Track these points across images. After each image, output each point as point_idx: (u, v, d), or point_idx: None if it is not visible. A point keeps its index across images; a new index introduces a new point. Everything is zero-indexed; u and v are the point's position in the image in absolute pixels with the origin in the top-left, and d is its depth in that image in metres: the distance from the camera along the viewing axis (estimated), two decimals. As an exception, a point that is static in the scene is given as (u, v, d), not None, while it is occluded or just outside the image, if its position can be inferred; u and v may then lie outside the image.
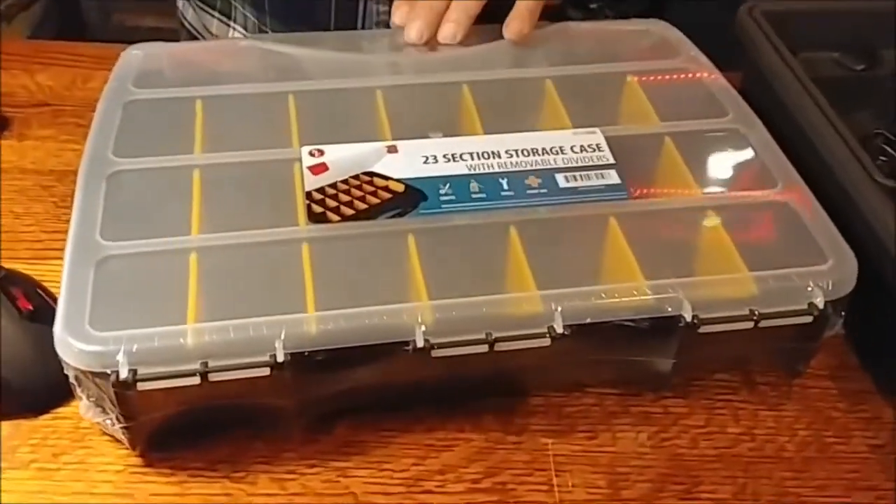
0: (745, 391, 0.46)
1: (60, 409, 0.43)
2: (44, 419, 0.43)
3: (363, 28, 0.67)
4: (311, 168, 0.48)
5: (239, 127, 0.52)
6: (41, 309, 0.43)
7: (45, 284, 0.47)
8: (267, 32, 0.69)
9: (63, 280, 0.41)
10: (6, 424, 0.42)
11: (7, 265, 0.49)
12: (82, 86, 0.63)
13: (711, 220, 0.47)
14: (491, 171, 0.49)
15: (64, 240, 0.45)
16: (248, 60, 0.57)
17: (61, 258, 0.43)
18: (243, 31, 0.70)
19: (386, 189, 0.48)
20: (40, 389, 0.42)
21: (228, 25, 0.71)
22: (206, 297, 0.41)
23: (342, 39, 0.61)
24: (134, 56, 0.55)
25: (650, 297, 0.42)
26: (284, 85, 0.54)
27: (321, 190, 0.47)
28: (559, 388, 0.45)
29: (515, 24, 0.59)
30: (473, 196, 0.47)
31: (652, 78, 0.57)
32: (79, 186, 0.46)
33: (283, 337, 0.39)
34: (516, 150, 0.50)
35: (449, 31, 0.59)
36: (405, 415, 0.44)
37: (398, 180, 0.48)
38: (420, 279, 0.43)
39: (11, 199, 0.54)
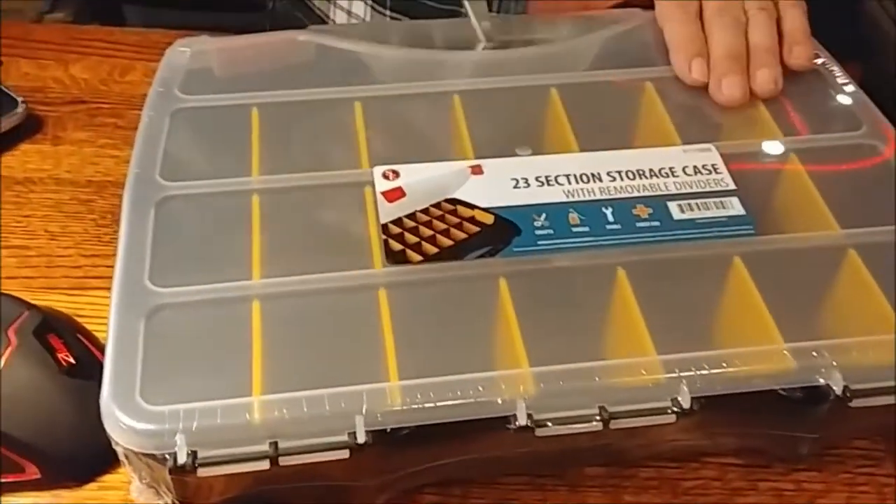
0: (890, 463, 0.40)
1: (107, 477, 0.38)
2: (88, 488, 0.38)
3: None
4: (385, 194, 0.42)
5: (300, 141, 0.46)
6: (84, 361, 0.38)
7: (87, 322, 0.42)
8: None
9: (109, 335, 0.35)
10: (46, 495, 0.37)
11: (44, 297, 0.44)
12: (120, 79, 0.57)
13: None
14: (592, 197, 0.42)
15: (105, 266, 0.40)
16: (307, 59, 0.50)
17: (103, 288, 0.38)
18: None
19: (473, 221, 0.41)
20: (85, 456, 0.37)
21: None
22: (272, 358, 0.36)
23: (411, 31, 0.54)
24: (180, 54, 0.49)
25: (791, 364, 0.36)
26: (349, 90, 0.48)
27: (398, 222, 0.41)
28: (674, 459, 0.40)
29: (800, 49, 0.50)
30: (574, 230, 0.41)
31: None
32: (124, 216, 0.40)
33: (364, 412, 0.34)
34: (620, 172, 0.44)
35: (768, 79, 0.48)
36: (497, 488, 0.39)
37: (486, 210, 0.42)
38: (517, 336, 0.37)
39: (47, 217, 0.48)
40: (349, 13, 0.65)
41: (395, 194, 0.42)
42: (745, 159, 0.45)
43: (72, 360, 0.37)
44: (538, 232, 0.41)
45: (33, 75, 0.57)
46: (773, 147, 0.46)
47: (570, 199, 0.42)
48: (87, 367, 0.37)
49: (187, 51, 0.49)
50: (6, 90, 0.53)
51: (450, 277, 0.39)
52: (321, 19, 0.67)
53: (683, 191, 0.43)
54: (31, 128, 0.53)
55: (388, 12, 0.63)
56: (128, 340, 0.35)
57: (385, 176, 0.43)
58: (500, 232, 0.41)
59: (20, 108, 0.52)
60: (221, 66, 0.49)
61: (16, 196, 0.49)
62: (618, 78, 0.50)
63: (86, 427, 0.36)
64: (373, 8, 0.64)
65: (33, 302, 0.42)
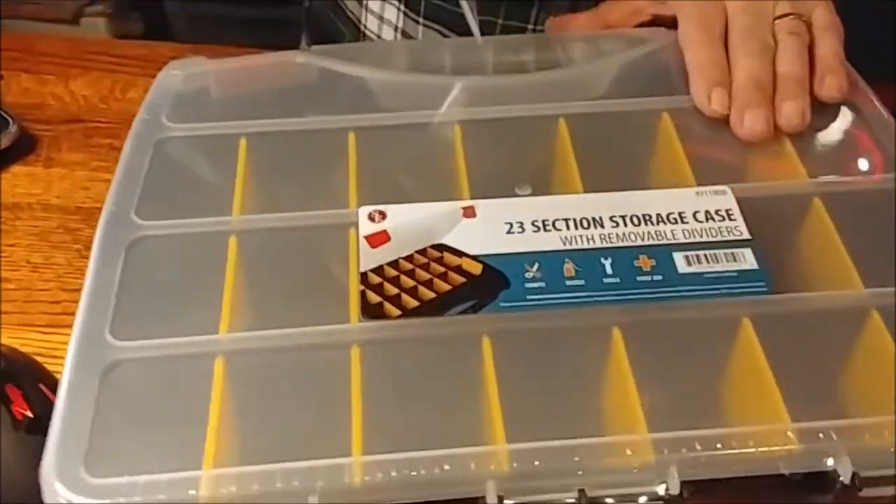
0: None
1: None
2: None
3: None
4: (369, 238, 0.39)
5: (288, 174, 0.44)
6: (44, 415, 0.35)
7: (60, 363, 0.41)
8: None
9: (60, 394, 0.34)
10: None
11: (18, 335, 0.42)
12: (121, 96, 0.56)
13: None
14: (591, 246, 0.39)
15: (85, 301, 0.38)
16: (304, 82, 0.48)
17: (80, 326, 0.36)
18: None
19: (459, 271, 0.38)
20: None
21: None
22: (229, 425, 0.33)
23: (417, 52, 0.51)
24: (171, 78, 0.47)
25: (796, 446, 0.33)
26: (344, 119, 0.45)
27: (379, 270, 0.38)
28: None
29: (832, 80, 0.45)
30: (568, 283, 0.38)
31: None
32: (92, 258, 0.38)
33: (318, 490, 0.31)
34: (624, 217, 0.40)
35: (795, 112, 0.44)
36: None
37: (475, 258, 0.39)
38: (496, 405, 0.34)
39: (31, 245, 0.47)
40: (381, 18, 0.63)
41: (379, 239, 0.39)
42: (764, 204, 0.41)
43: (29, 414, 0.36)
44: (528, 285, 0.38)
45: (33, 91, 0.55)
46: (795, 190, 0.42)
47: (567, 246, 0.39)
48: (47, 422, 0.35)
49: (179, 74, 0.47)
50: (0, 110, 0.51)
51: (429, 336, 0.36)
52: (353, 23, 0.65)
53: (692, 240, 0.39)
54: (24, 147, 0.52)
55: (420, 19, 0.60)
56: (79, 401, 0.33)
57: (371, 217, 0.40)
58: (488, 284, 0.38)
59: (12, 129, 0.50)
60: (216, 89, 0.47)
61: (2, 223, 0.48)
62: (632, 108, 0.46)
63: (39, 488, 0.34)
64: (405, 14, 0.61)
65: (5, 341, 0.41)
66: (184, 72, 0.47)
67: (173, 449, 0.32)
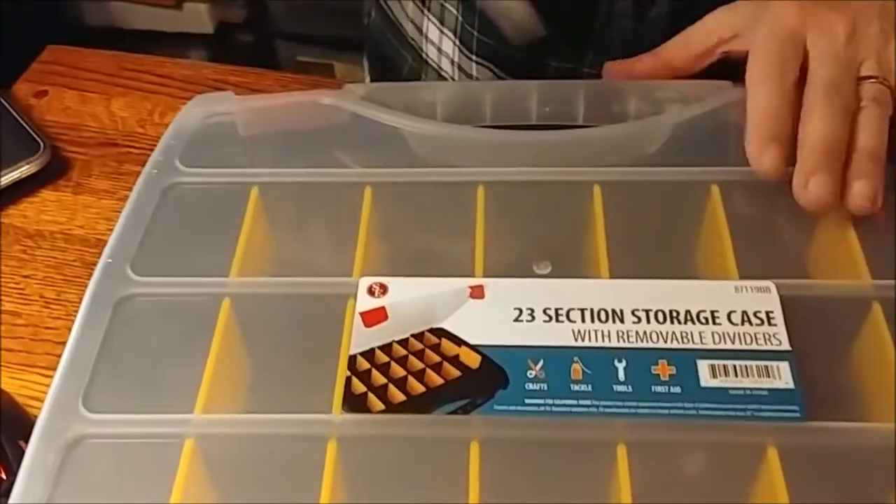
0: None
1: None
2: None
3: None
4: (365, 315, 0.37)
5: (295, 232, 0.41)
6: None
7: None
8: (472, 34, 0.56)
9: (22, 467, 0.32)
10: None
11: (19, 377, 0.42)
12: (159, 120, 0.54)
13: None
14: (606, 344, 0.35)
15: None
16: (330, 125, 0.45)
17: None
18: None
19: (455, 362, 0.35)
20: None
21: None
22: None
23: (455, 96, 0.47)
24: (191, 116, 0.45)
25: None
26: (361, 174, 0.42)
27: (370, 354, 0.35)
28: None
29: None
30: (573, 387, 0.34)
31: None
32: (80, 315, 0.37)
33: None
34: (647, 312, 0.36)
35: (867, 193, 0.38)
36: None
37: (474, 348, 0.35)
38: (475, 522, 0.31)
39: (46, 279, 0.46)
40: (440, 50, 0.59)
41: (375, 316, 0.37)
42: (813, 306, 0.37)
43: (2, 477, 0.35)
44: (529, 386, 0.34)
45: (73, 110, 0.55)
46: (853, 292, 0.37)
47: (579, 343, 0.35)
48: (19, 485, 0.34)
49: (199, 112, 0.45)
50: (33, 131, 0.51)
51: (412, 436, 0.33)
52: (412, 47, 0.62)
53: (721, 346, 0.35)
54: (56, 170, 0.51)
55: (474, 57, 0.57)
56: (38, 478, 0.32)
57: (371, 291, 0.37)
58: (484, 380, 0.34)
59: (42, 153, 0.50)
60: (231, 134, 0.44)
61: (22, 252, 0.47)
62: (678, 177, 0.42)
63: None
64: (460, 50, 0.58)
65: (5, 382, 0.40)
66: (205, 109, 0.45)
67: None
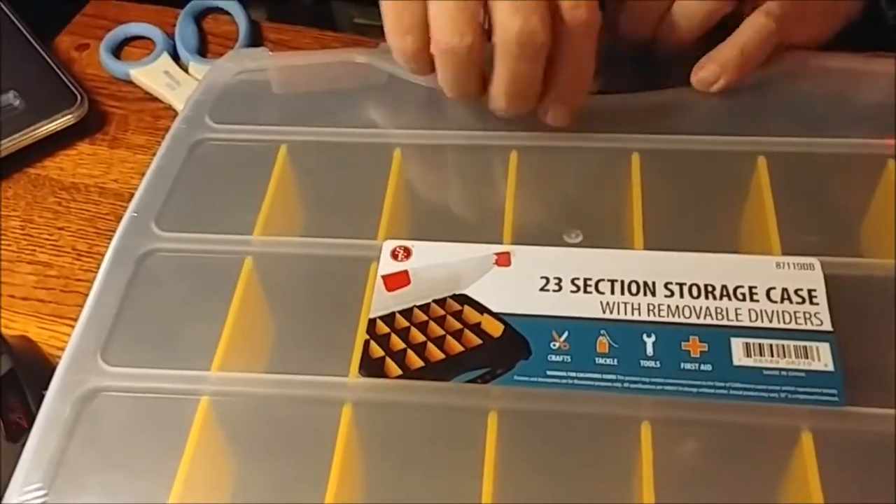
0: None
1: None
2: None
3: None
4: (387, 279, 0.36)
5: (322, 192, 0.40)
6: (36, 426, 0.35)
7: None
8: None
9: (38, 418, 0.33)
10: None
11: (49, 328, 0.42)
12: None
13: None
14: (635, 318, 0.34)
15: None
16: (362, 85, 0.44)
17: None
18: None
19: (477, 330, 0.34)
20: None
21: None
22: (198, 474, 0.31)
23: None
24: (223, 72, 0.44)
25: None
26: (391, 135, 0.41)
27: (390, 318, 0.34)
28: None
29: (710, 69, 0.41)
30: (598, 361, 0.33)
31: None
32: (102, 268, 0.37)
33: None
34: (681, 286, 0.35)
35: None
36: None
37: (497, 316, 0.34)
38: (488, 495, 0.30)
39: (79, 231, 0.46)
40: None
41: (398, 281, 0.36)
42: (859, 286, 0.35)
43: (24, 424, 0.35)
44: (552, 357, 0.33)
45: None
46: (902, 272, 0.35)
47: (606, 315, 0.34)
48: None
49: (232, 68, 0.44)
50: (71, 83, 0.51)
51: (428, 404, 0.32)
52: None
53: (758, 324, 0.33)
54: (94, 124, 0.51)
55: None
56: (53, 429, 0.32)
57: (394, 254, 0.36)
58: (506, 349, 0.33)
59: (79, 106, 0.50)
60: (262, 92, 0.43)
61: (57, 204, 0.48)
62: (724, 147, 0.40)
63: None
64: None
65: (36, 332, 0.41)
66: (238, 65, 0.45)
67: (139, 487, 0.31)
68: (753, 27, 0.42)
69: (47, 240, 0.46)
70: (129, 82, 0.53)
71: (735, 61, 0.41)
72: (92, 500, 0.30)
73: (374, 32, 0.52)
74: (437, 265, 0.36)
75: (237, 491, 0.32)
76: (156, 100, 0.53)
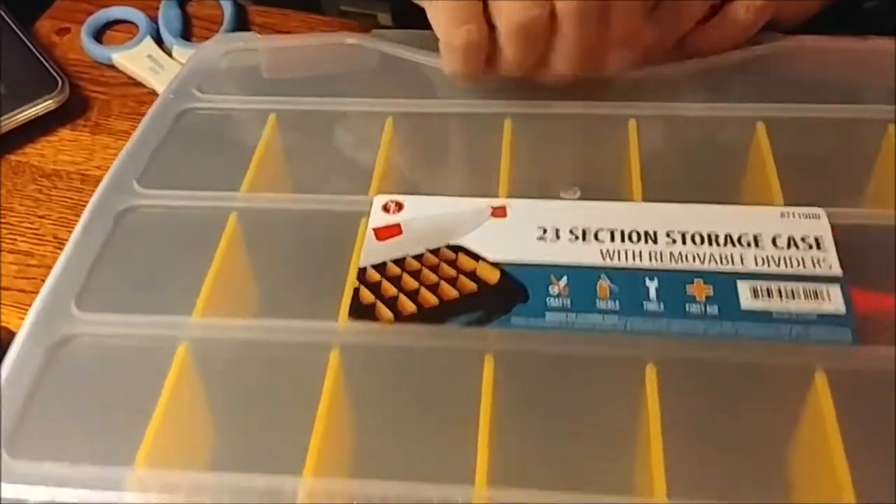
0: None
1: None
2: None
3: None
4: (378, 230, 0.34)
5: (313, 156, 0.39)
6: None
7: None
8: None
9: (4, 365, 0.31)
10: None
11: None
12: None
13: None
14: (636, 264, 0.33)
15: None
16: (355, 66, 0.44)
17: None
18: None
19: (472, 276, 0.33)
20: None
21: None
22: (175, 422, 0.29)
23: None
24: (210, 51, 0.44)
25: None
26: (382, 103, 0.40)
27: (381, 267, 0.33)
28: None
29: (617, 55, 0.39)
30: (599, 305, 0.31)
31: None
32: (80, 222, 0.35)
33: (249, 513, 0.26)
34: (684, 234, 0.33)
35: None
36: None
37: (494, 264, 0.33)
38: (484, 441, 0.28)
39: (61, 219, 0.45)
40: None
41: (389, 232, 0.34)
42: (868, 234, 0.34)
43: None
44: (551, 302, 0.31)
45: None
46: (910, 223, 0.34)
47: (607, 262, 0.32)
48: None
49: (221, 48, 0.44)
50: (52, 68, 0.50)
51: (421, 347, 0.30)
52: None
53: (765, 269, 0.32)
54: (75, 110, 0.50)
55: None
56: (21, 375, 0.30)
57: (385, 208, 0.35)
58: (503, 295, 0.32)
59: (60, 91, 0.49)
60: (251, 69, 0.43)
61: (38, 191, 0.46)
62: (723, 113, 0.39)
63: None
64: None
65: (15, 325, 0.39)
66: (226, 47, 0.44)
67: (110, 441, 0.28)
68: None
69: (28, 228, 0.45)
70: (112, 67, 0.52)
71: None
72: (61, 448, 0.28)
73: (360, 21, 0.52)
74: (430, 217, 0.34)
75: (215, 442, 0.30)
76: (139, 85, 0.52)
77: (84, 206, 0.46)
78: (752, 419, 0.29)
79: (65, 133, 0.50)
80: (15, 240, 0.44)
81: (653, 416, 0.28)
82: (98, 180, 0.48)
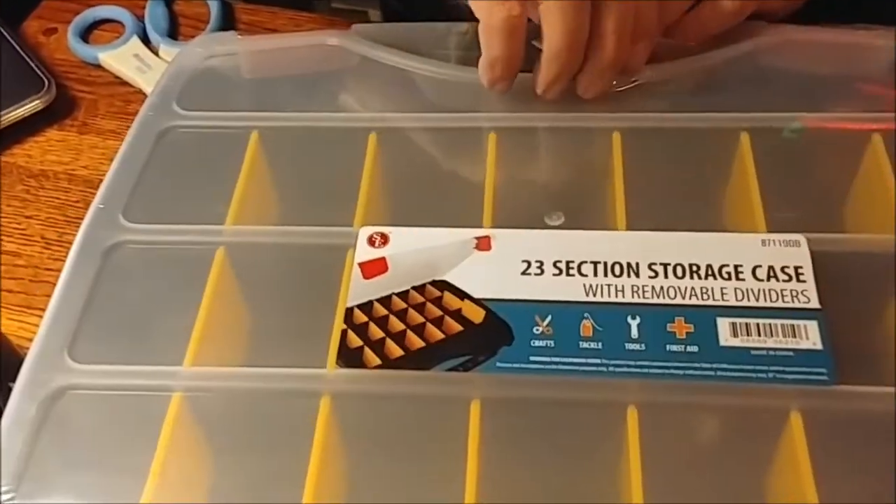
0: None
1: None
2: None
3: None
4: (364, 266, 0.35)
5: (296, 180, 0.39)
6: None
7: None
8: None
9: (3, 420, 0.31)
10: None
11: (17, 318, 0.41)
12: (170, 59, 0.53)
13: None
14: (619, 300, 0.33)
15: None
16: (335, 68, 0.43)
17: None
18: None
19: (458, 316, 0.33)
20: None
21: None
22: (174, 469, 0.30)
23: (471, 36, 0.45)
24: (192, 57, 0.43)
25: None
26: (365, 119, 0.40)
27: (367, 307, 0.33)
28: None
29: (587, 81, 0.39)
30: (582, 346, 0.32)
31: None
32: (68, 262, 0.35)
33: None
34: (666, 266, 0.34)
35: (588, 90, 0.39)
36: None
37: (479, 302, 0.33)
38: (472, 486, 0.29)
39: (48, 219, 0.45)
40: None
41: (375, 268, 0.35)
42: (847, 262, 0.34)
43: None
44: (535, 343, 0.32)
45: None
46: (890, 249, 0.34)
47: (590, 298, 0.33)
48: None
49: (201, 52, 0.43)
50: (38, 68, 0.49)
51: (408, 393, 0.31)
52: None
53: (744, 303, 0.32)
54: (62, 110, 0.50)
55: None
56: (18, 428, 0.31)
57: (371, 241, 0.35)
58: (488, 336, 0.32)
59: (47, 91, 0.48)
60: (231, 77, 0.42)
61: (25, 192, 0.46)
62: (705, 124, 0.39)
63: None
64: None
65: (4, 323, 0.39)
66: (207, 49, 0.43)
67: (109, 487, 0.30)
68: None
69: (15, 229, 0.45)
70: (99, 66, 0.52)
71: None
72: (61, 501, 0.29)
73: (352, 18, 0.51)
74: (415, 251, 0.35)
75: (214, 488, 0.31)
76: (126, 84, 0.52)
77: (71, 206, 0.46)
78: (729, 461, 0.30)
79: (52, 133, 0.49)
80: (1, 240, 0.45)
81: (634, 458, 0.30)
82: (85, 180, 0.48)
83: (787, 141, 0.38)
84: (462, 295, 0.33)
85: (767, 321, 0.32)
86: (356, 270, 0.34)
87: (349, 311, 0.33)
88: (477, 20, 0.38)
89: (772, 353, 0.31)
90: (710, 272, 0.33)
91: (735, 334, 0.32)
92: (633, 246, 0.34)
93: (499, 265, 0.34)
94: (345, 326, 0.33)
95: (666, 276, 0.33)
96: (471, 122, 0.39)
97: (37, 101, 0.48)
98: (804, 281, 0.33)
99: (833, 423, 0.30)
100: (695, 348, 0.31)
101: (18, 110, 0.48)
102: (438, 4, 0.56)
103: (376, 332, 0.33)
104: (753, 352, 0.31)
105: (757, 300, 0.33)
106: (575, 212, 0.36)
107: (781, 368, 0.31)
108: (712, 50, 0.41)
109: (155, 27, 0.51)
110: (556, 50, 0.37)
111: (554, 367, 0.31)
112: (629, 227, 0.35)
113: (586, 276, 0.34)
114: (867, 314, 0.33)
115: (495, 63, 0.38)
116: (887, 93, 0.39)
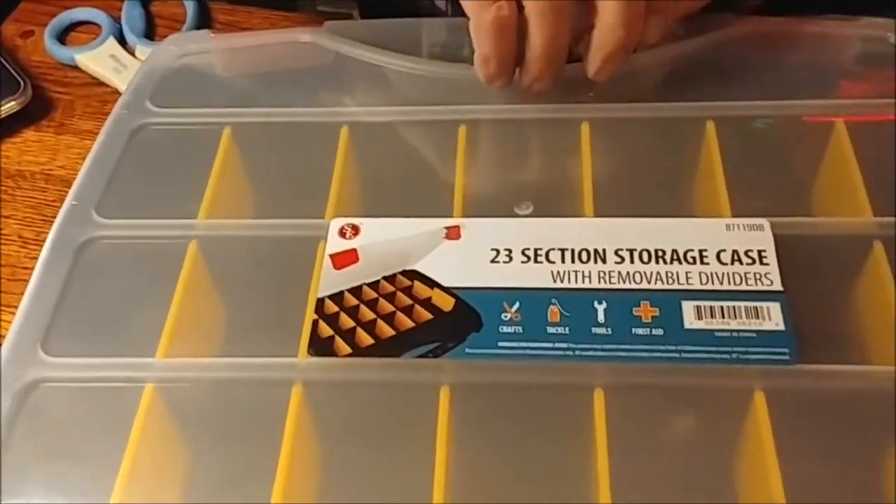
0: None
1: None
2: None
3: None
4: (335, 257, 0.35)
5: (267, 174, 0.40)
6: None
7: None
8: None
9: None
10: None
11: (-4, 320, 0.41)
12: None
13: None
14: (586, 285, 0.34)
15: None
16: (309, 65, 0.43)
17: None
18: None
19: (427, 304, 0.34)
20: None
21: None
22: (145, 463, 0.30)
23: (440, 32, 0.46)
24: (165, 55, 0.43)
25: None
26: (337, 112, 0.40)
27: (338, 297, 0.34)
28: None
29: (598, 64, 0.38)
30: (550, 331, 0.32)
31: (873, 128, 0.38)
32: (41, 257, 0.36)
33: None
34: (632, 252, 0.34)
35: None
36: None
37: (448, 290, 0.34)
38: (441, 468, 0.29)
39: (25, 219, 0.45)
40: None
41: (346, 259, 0.35)
42: (811, 245, 0.34)
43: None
44: (503, 329, 0.32)
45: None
46: (852, 230, 0.35)
47: (557, 284, 0.33)
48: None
49: (175, 50, 0.43)
50: (14, 70, 0.49)
51: (379, 380, 0.32)
52: None
53: (709, 287, 0.33)
54: (39, 111, 0.50)
55: None
56: (-5, 418, 0.31)
57: (342, 232, 0.36)
58: (457, 323, 0.33)
59: (23, 92, 0.48)
60: (205, 74, 0.43)
61: (3, 192, 0.46)
62: (673, 114, 0.40)
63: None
64: None
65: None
66: (180, 48, 0.44)
67: (83, 479, 0.30)
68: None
69: (-7, 229, 0.46)
70: (76, 68, 0.52)
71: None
72: (35, 493, 0.30)
73: (335, 20, 0.51)
74: (386, 241, 0.35)
75: (189, 478, 0.31)
76: (102, 84, 0.52)
77: (48, 206, 0.47)
78: (695, 442, 0.30)
79: (29, 134, 0.50)
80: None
81: (600, 439, 0.30)
82: (62, 180, 0.49)
83: (755, 131, 0.39)
84: (432, 284, 0.34)
85: (731, 303, 0.32)
86: (327, 261, 0.35)
87: (320, 302, 0.34)
88: (459, 16, 0.38)
89: (735, 334, 0.32)
90: (675, 257, 0.34)
91: (699, 317, 0.32)
92: (600, 233, 0.35)
93: (468, 254, 0.35)
94: (316, 316, 0.33)
95: (632, 261, 0.34)
96: (441, 115, 0.40)
97: (13, 103, 0.48)
98: (767, 264, 0.33)
99: (796, 401, 0.30)
100: (660, 331, 0.32)
101: (-5, 112, 0.49)
102: (414, 8, 0.57)
103: (347, 321, 0.33)
104: (717, 333, 0.32)
105: (721, 283, 0.33)
106: (544, 201, 0.37)
107: (745, 349, 0.31)
108: (680, 41, 0.42)
109: (131, 28, 0.52)
110: (535, 54, 0.37)
111: (522, 352, 0.32)
112: (597, 214, 0.36)
113: (554, 262, 0.34)
114: (830, 295, 0.33)
115: (489, 60, 0.38)
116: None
